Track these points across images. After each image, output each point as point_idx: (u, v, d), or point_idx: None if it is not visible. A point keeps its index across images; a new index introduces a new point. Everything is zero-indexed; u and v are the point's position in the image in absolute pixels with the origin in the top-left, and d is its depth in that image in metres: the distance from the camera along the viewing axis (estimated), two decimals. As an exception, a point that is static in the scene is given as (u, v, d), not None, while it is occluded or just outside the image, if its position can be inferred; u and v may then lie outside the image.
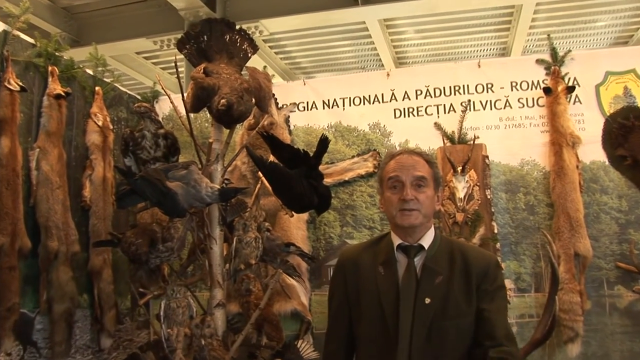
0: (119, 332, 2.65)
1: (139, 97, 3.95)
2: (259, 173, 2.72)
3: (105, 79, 3.56)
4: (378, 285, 1.88)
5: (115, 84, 3.66)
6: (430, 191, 1.90)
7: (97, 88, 3.42)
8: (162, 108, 3.99)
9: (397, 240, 1.92)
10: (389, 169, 1.93)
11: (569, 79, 3.48)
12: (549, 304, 1.83)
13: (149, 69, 7.16)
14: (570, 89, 3.39)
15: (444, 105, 3.64)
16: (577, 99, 3.47)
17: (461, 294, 1.82)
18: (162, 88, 2.75)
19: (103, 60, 3.54)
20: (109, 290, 3.25)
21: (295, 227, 3.52)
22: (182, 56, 2.64)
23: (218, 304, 2.45)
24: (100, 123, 3.34)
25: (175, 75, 2.53)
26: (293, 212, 2.74)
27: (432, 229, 1.95)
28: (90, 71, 3.47)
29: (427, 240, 1.91)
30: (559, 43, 5.96)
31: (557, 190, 3.29)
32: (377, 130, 3.73)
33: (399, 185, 1.88)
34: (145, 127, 2.54)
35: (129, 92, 3.93)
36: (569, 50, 3.54)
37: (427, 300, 1.80)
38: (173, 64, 2.39)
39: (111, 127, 3.44)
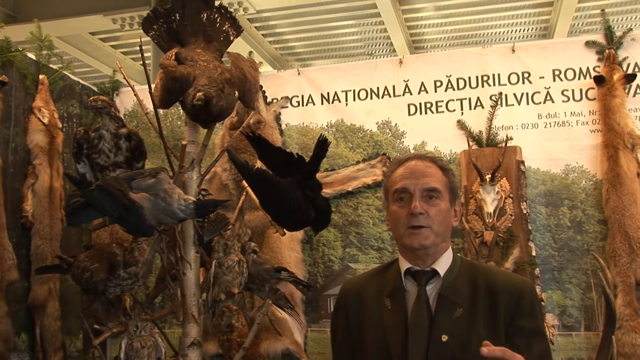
0: (67, 382, 2.66)
1: (94, 88, 3.99)
2: (244, 182, 2.75)
3: (51, 65, 3.58)
4: (384, 321, 1.90)
5: (65, 72, 3.68)
6: (445, 204, 1.92)
7: (41, 76, 3.45)
8: (124, 102, 4.03)
9: (405, 265, 1.94)
10: (395, 178, 1.96)
11: (628, 65, 3.52)
12: (603, 346, 1.84)
13: (108, 54, 7.16)
14: (630, 78, 3.42)
15: (470, 99, 3.69)
16: (638, 90, 3.51)
17: (486, 331, 1.81)
18: (124, 77, 2.76)
19: (49, 42, 3.56)
20: (55, 328, 3.26)
21: (288, 248, 3.55)
22: (148, 38, 2.66)
23: (192, 343, 2.46)
24: (45, 120, 3.36)
25: (141, 62, 2.54)
26: (285, 230, 2.77)
27: (450, 250, 1.97)
28: (32, 55, 3.48)
29: (442, 265, 1.92)
30: (616, 20, 5.95)
31: (611, 203, 3.31)
32: (387, 131, 3.77)
33: (407, 197, 1.90)
34: (103, 125, 2.56)
35: (82, 82, 3.96)
36: (629, 29, 3.56)
37: (444, 338, 1.80)
38: (137, 48, 2.41)
39: (60, 125, 3.46)
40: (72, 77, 3.82)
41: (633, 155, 3.34)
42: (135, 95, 2.62)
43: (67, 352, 3.37)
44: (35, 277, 3.20)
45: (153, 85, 2.45)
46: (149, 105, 2.53)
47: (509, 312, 1.83)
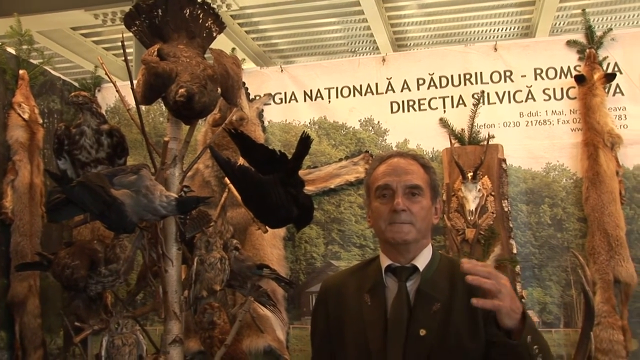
0: (47, 380, 2.65)
1: (76, 84, 3.96)
2: (226, 179, 2.75)
3: (32, 61, 3.56)
4: (364, 316, 1.92)
5: (46, 67, 3.66)
6: (426, 201, 1.94)
7: (21, 72, 3.42)
8: (106, 98, 4.01)
9: (386, 261, 1.96)
10: (377, 175, 1.98)
11: (608, 64, 3.55)
12: (582, 343, 1.85)
13: (89, 49, 7.10)
14: (610, 77, 3.46)
15: (452, 97, 3.71)
16: (618, 89, 3.55)
17: (464, 325, 1.84)
18: (106, 73, 2.75)
19: (29, 37, 3.54)
20: (35, 326, 3.24)
21: (270, 245, 3.56)
22: (130, 34, 2.65)
23: (174, 340, 2.45)
24: (25, 116, 3.34)
25: (123, 58, 2.54)
26: (267, 227, 2.77)
27: (429, 247, 1.99)
28: (12, 50, 3.46)
29: (422, 261, 1.94)
30: (596, 20, 6.01)
31: (591, 201, 3.34)
32: (370, 128, 3.78)
33: (389, 194, 1.92)
34: (85, 121, 2.55)
35: (63, 77, 3.94)
36: (609, 29, 3.60)
37: (422, 332, 1.82)
38: (119, 44, 2.40)
39: (40, 121, 3.44)
40: (53, 72, 3.80)
41: (612, 154, 3.37)
42: (117, 91, 2.61)
43: (48, 350, 3.35)
44: (15, 274, 3.17)
45: (135, 82, 2.44)
46: (131, 102, 2.52)
47: None
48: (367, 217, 2.07)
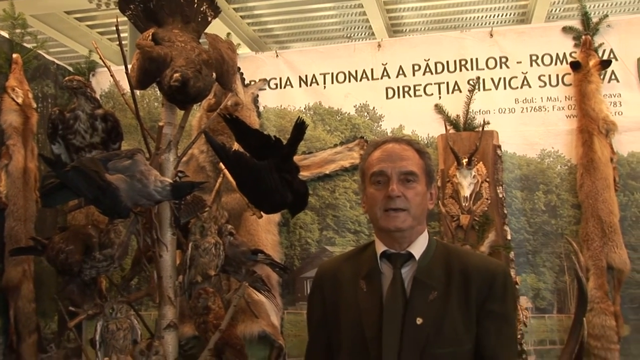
0: (41, 364, 2.65)
1: (70, 68, 3.95)
2: (221, 164, 2.75)
3: (25, 44, 3.54)
4: (359, 303, 1.91)
5: (40, 51, 3.64)
6: (421, 187, 1.92)
7: (14, 55, 3.41)
8: (101, 83, 4.00)
9: (381, 248, 1.95)
10: (372, 161, 1.96)
11: (604, 51, 3.55)
12: (575, 328, 1.86)
13: (83, 34, 7.04)
14: (605, 64, 3.45)
15: (447, 83, 3.71)
16: (613, 76, 3.55)
17: (459, 314, 1.83)
18: (101, 58, 2.73)
19: (22, 20, 3.51)
20: (29, 310, 3.24)
21: (265, 230, 3.56)
22: (125, 18, 2.64)
23: (169, 325, 2.47)
24: (19, 100, 3.33)
25: (117, 43, 2.52)
26: (262, 213, 2.77)
27: (425, 233, 1.98)
28: (4, 33, 3.44)
29: (418, 248, 1.93)
30: (593, 6, 6.00)
31: (585, 188, 3.35)
32: (365, 114, 3.78)
33: (384, 180, 1.90)
34: (79, 106, 2.54)
35: (57, 61, 3.92)
36: (605, 15, 3.59)
37: (419, 321, 1.82)
38: (114, 29, 2.38)
39: (34, 105, 3.43)
40: (46, 56, 3.78)
41: (607, 141, 3.38)
42: (111, 75, 2.61)
43: (42, 335, 3.35)
44: (9, 259, 3.17)
45: (129, 66, 2.43)
46: (126, 86, 2.52)
47: (482, 295, 1.85)
48: (362, 203, 2.05)
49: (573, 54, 3.57)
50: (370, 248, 2.01)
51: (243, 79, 3.85)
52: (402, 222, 1.88)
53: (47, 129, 2.58)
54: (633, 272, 3.32)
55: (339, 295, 1.98)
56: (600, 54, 3.51)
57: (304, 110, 3.83)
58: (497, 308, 1.85)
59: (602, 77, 3.47)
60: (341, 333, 1.94)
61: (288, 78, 3.89)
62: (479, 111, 3.60)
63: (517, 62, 3.64)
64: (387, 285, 1.90)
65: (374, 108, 3.77)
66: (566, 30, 3.61)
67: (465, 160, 3.39)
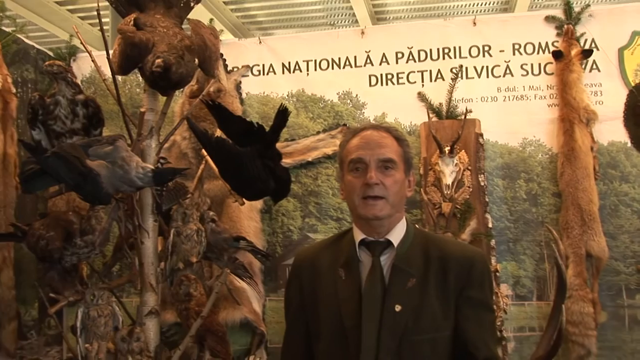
0: (21, 351, 2.63)
1: (50, 53, 3.91)
2: (203, 151, 2.74)
3: (4, 28, 3.51)
4: (338, 292, 1.91)
5: (19, 35, 3.60)
6: (400, 175, 1.92)
7: (-7, 40, 3.37)
8: (82, 68, 3.97)
9: (360, 236, 1.94)
10: (350, 148, 1.95)
11: (586, 40, 3.59)
12: (554, 315, 1.87)
13: (64, 18, 6.97)
14: (587, 53, 3.49)
15: (430, 71, 3.72)
16: (594, 66, 3.58)
17: (437, 301, 1.84)
18: (82, 43, 2.71)
19: (1, 4, 3.49)
20: (9, 297, 3.23)
21: (247, 217, 3.56)
22: (106, 3, 2.62)
23: (150, 312, 2.46)
24: (-2, 85, 3.29)
25: (98, 28, 2.50)
26: (244, 199, 2.77)
27: (403, 221, 1.98)
28: (-18, 17, 3.41)
29: (396, 235, 1.93)
30: (575, -5, 6.04)
31: (566, 176, 3.39)
32: (348, 101, 3.78)
33: (362, 167, 1.90)
34: (60, 91, 2.51)
35: (37, 46, 3.89)
36: (587, 5, 3.62)
37: (398, 308, 1.82)
38: (95, 13, 2.36)
39: (13, 90, 3.39)
40: (26, 40, 3.75)
41: (588, 130, 3.41)
42: (92, 61, 2.59)
43: (22, 321, 3.34)
44: (-11, 245, 3.15)
45: (111, 51, 2.41)
46: (107, 72, 2.50)
47: (460, 282, 1.86)
48: (340, 191, 2.04)
49: (555, 43, 3.60)
50: (349, 235, 2.01)
51: (226, 66, 3.84)
52: (380, 210, 1.87)
53: (27, 114, 2.55)
54: (611, 260, 3.37)
55: (318, 284, 1.98)
56: (582, 44, 3.54)
57: (286, 97, 3.83)
58: (475, 294, 1.86)
59: (583, 66, 3.50)
60: (320, 322, 1.94)
61: (271, 65, 3.88)
62: (462, 99, 3.62)
63: (500, 51, 3.66)
64: (366, 273, 1.90)
65: (357, 95, 3.78)
66: (549, 19, 3.63)
67: (447, 149, 3.41)
